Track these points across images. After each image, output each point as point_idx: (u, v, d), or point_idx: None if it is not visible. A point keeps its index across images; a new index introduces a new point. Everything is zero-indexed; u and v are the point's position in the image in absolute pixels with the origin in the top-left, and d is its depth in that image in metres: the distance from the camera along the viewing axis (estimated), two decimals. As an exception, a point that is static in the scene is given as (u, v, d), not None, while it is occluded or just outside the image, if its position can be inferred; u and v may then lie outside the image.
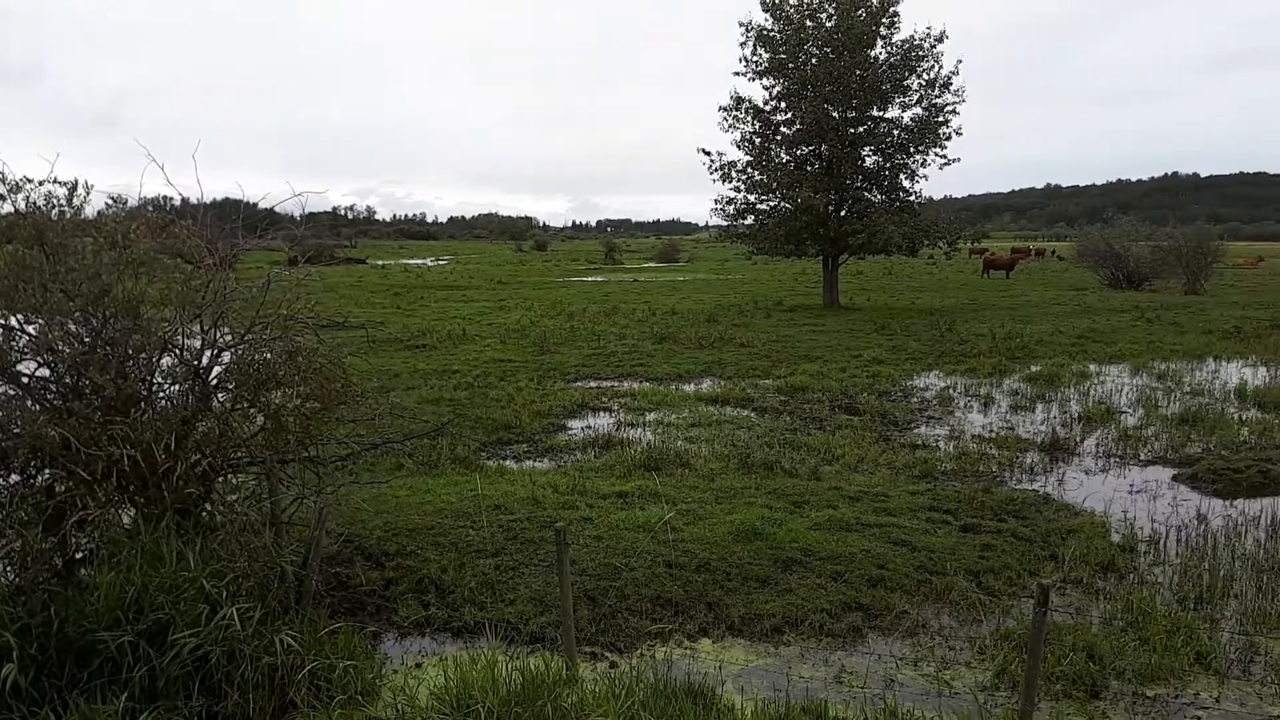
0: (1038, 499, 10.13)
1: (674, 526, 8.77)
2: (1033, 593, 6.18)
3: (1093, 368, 19.35)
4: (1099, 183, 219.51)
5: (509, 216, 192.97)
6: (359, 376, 8.44)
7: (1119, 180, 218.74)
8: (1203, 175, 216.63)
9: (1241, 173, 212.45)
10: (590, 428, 13.90)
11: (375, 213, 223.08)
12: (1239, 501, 10.27)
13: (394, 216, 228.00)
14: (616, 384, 17.72)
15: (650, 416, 14.68)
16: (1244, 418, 14.35)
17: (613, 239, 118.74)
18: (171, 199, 8.83)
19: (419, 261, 79.77)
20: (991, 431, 13.65)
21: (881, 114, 31.81)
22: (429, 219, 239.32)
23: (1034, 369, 18.89)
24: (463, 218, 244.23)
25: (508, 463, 11.92)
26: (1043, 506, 9.85)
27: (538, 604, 7.25)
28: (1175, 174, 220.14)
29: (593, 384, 17.71)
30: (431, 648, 6.80)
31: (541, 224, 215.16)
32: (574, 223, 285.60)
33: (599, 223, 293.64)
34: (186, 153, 7.36)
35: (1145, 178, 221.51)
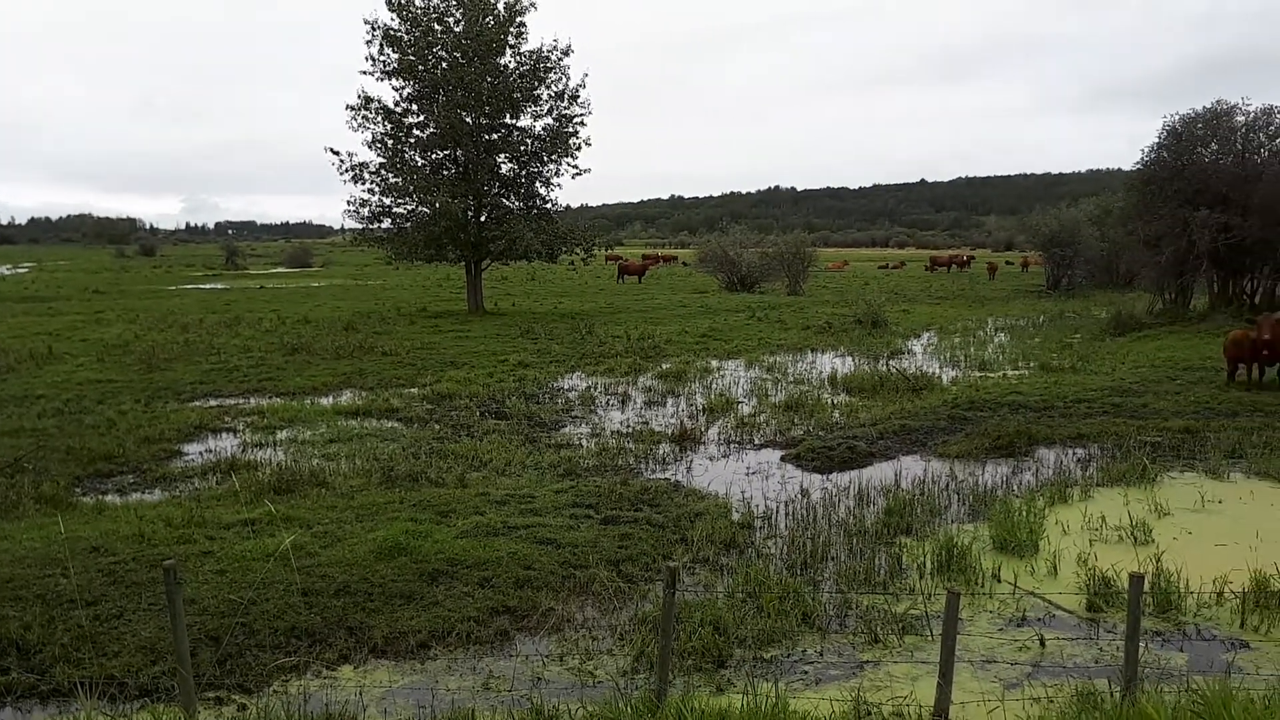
0: (669, 487, 10.82)
1: (310, 550, 8.21)
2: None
3: (714, 363, 21.17)
4: (715, 194, 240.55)
5: (107, 218, 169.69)
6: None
7: (732, 192, 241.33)
8: (799, 189, 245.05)
9: (829, 187, 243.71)
10: (211, 451, 12.65)
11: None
12: (833, 475, 11.71)
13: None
14: (242, 401, 16.33)
15: (282, 435, 13.68)
16: (835, 401, 16.45)
17: (235, 242, 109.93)
18: None
19: (-7, 270, 68.17)
20: (629, 427, 14.39)
21: (514, 122, 32.47)
22: (4, 221, 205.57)
23: (665, 366, 20.26)
24: (48, 220, 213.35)
25: (109, 498, 10.48)
26: (674, 493, 10.53)
27: (149, 653, 6.40)
28: (777, 187, 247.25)
29: (213, 403, 16.16)
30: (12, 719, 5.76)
31: (148, 226, 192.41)
32: (188, 225, 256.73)
33: (218, 225, 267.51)
34: None
35: (753, 190, 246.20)
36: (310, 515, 9.35)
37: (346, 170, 31.62)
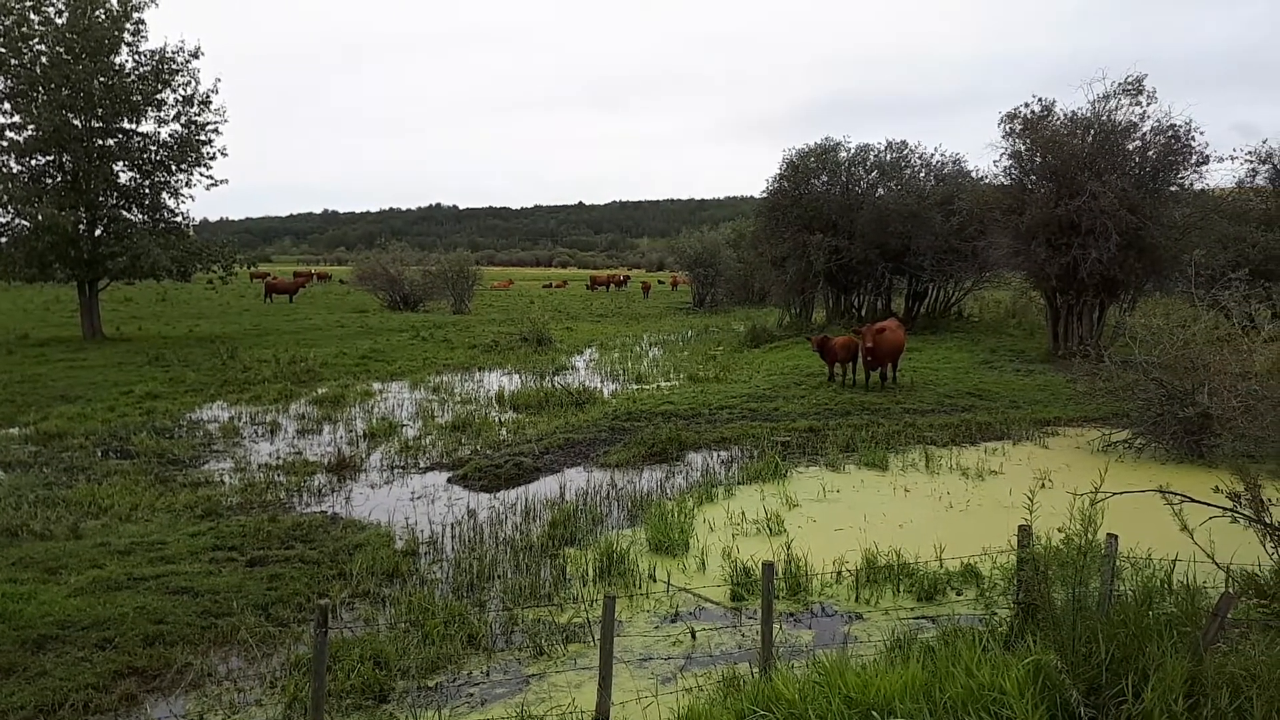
0: (325, 520, 10.22)
1: None
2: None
3: (376, 386, 20.40)
4: (374, 210, 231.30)
5: None
6: None
7: (391, 208, 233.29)
8: (461, 207, 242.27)
9: (491, 206, 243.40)
10: None
11: None
12: (501, 493, 11.72)
13: None
14: None
15: None
16: (503, 419, 16.51)
17: None
18: None
19: None
20: (279, 458, 13.41)
21: (135, 127, 29.19)
22: None
23: (320, 391, 19.16)
24: None
25: None
26: (330, 526, 9.96)
27: None
28: (439, 205, 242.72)
29: None
30: None
31: None
32: None
33: None
34: None
35: (414, 207, 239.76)
36: None
37: (-80, 176, 26.65)
